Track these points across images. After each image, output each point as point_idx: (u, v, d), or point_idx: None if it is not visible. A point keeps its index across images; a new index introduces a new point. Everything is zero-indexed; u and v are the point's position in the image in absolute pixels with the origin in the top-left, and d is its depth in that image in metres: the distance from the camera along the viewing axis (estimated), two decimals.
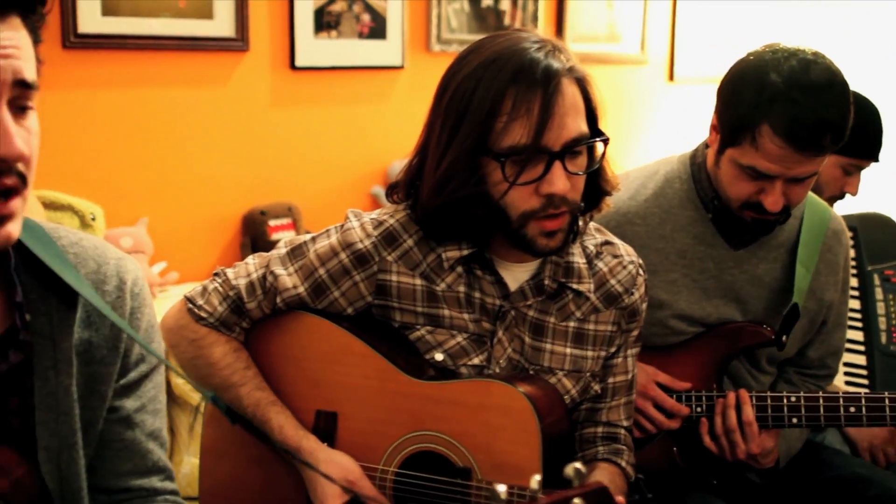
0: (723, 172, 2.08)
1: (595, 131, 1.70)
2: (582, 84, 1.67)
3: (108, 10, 3.48)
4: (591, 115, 1.69)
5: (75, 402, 1.37)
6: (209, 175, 3.89)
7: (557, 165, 1.63)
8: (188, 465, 3.16)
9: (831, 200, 2.75)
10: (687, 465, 2.18)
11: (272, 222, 3.87)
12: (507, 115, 1.61)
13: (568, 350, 1.83)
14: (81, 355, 1.39)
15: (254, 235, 3.88)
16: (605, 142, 1.71)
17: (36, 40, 1.25)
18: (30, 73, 1.22)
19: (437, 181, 1.68)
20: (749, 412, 2.10)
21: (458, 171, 1.66)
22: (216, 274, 1.88)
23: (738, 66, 2.07)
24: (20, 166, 1.21)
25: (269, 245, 3.78)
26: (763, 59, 2.02)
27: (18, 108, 1.22)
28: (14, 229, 1.24)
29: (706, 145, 2.20)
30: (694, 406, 2.16)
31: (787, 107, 1.94)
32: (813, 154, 1.97)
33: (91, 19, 3.39)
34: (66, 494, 1.37)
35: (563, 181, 1.63)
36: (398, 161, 4.26)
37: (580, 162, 1.67)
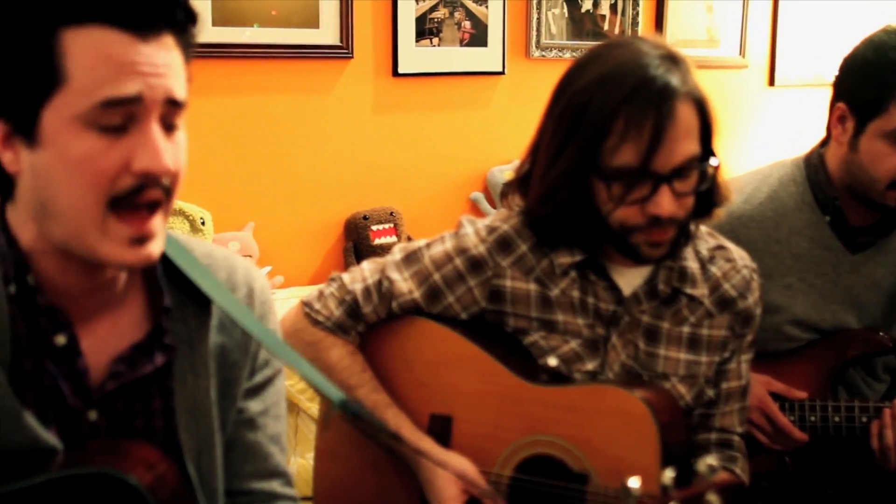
0: (865, 153, 2.05)
1: (708, 150, 1.67)
2: (699, 104, 1.64)
3: (219, 19, 3.56)
4: (706, 134, 1.67)
5: (213, 405, 1.42)
6: (313, 181, 3.95)
7: (665, 188, 1.61)
8: (294, 464, 3.21)
9: None
10: (800, 474, 2.15)
11: (374, 227, 3.91)
12: (618, 136, 1.59)
13: (682, 355, 1.81)
14: (216, 359, 1.44)
15: (356, 240, 3.92)
16: (716, 167, 1.68)
17: (188, 58, 1.29)
18: (180, 92, 1.25)
19: (544, 191, 1.69)
20: None
21: (564, 185, 1.66)
22: (332, 279, 1.91)
23: (860, 47, 2.09)
24: (166, 180, 1.25)
25: (372, 249, 3.82)
26: (887, 33, 2.04)
27: (167, 126, 1.26)
28: (156, 249, 1.28)
29: (821, 145, 2.18)
30: (807, 415, 2.13)
31: None
32: None
33: (202, 29, 3.45)
34: (207, 493, 1.42)
35: (669, 203, 1.62)
36: (497, 167, 4.27)
37: (689, 181, 1.65)
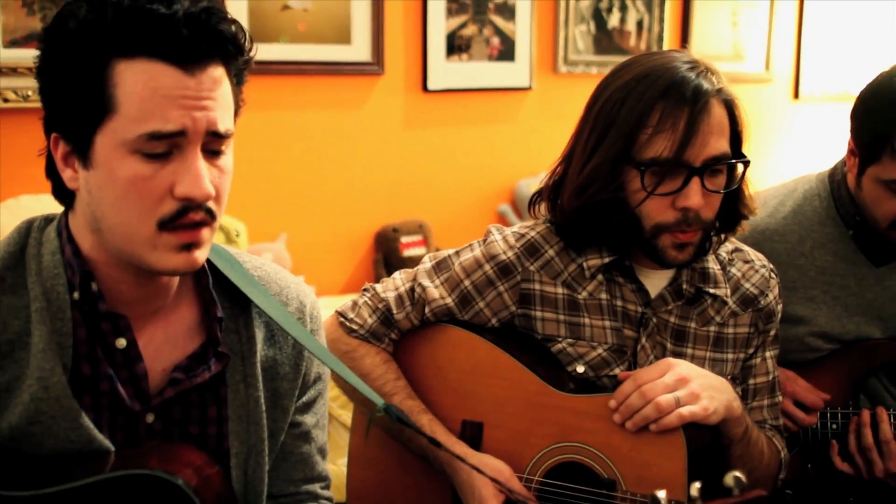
0: (866, 193, 2.08)
1: (737, 154, 1.75)
2: (730, 106, 1.73)
3: (255, 37, 3.63)
4: (736, 138, 1.75)
5: (264, 413, 1.48)
6: (345, 194, 4.01)
7: (695, 181, 1.69)
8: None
9: None
10: (823, 481, 2.18)
11: (404, 239, 3.97)
12: (653, 128, 1.68)
13: (707, 354, 1.86)
14: (266, 371, 1.50)
15: (386, 252, 3.98)
16: (746, 164, 1.76)
17: (239, 83, 1.36)
18: (223, 124, 1.32)
19: (580, 184, 1.75)
20: (887, 430, 2.08)
21: (599, 176, 1.73)
22: (365, 289, 1.96)
23: (870, 85, 2.09)
24: (209, 203, 1.32)
25: (402, 261, 3.88)
26: (890, 76, 2.04)
27: (212, 152, 1.33)
28: (201, 255, 1.35)
29: (844, 162, 2.21)
30: (829, 423, 2.16)
31: None
32: None
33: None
34: (250, 496, 1.48)
35: (698, 197, 1.69)
36: (525, 180, 4.32)
37: (719, 181, 1.73)
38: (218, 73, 1.31)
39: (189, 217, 1.30)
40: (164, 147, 1.27)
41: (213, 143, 1.32)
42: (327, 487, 1.65)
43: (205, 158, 1.31)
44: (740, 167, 1.76)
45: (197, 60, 1.28)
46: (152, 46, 1.26)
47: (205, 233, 1.34)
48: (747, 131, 1.76)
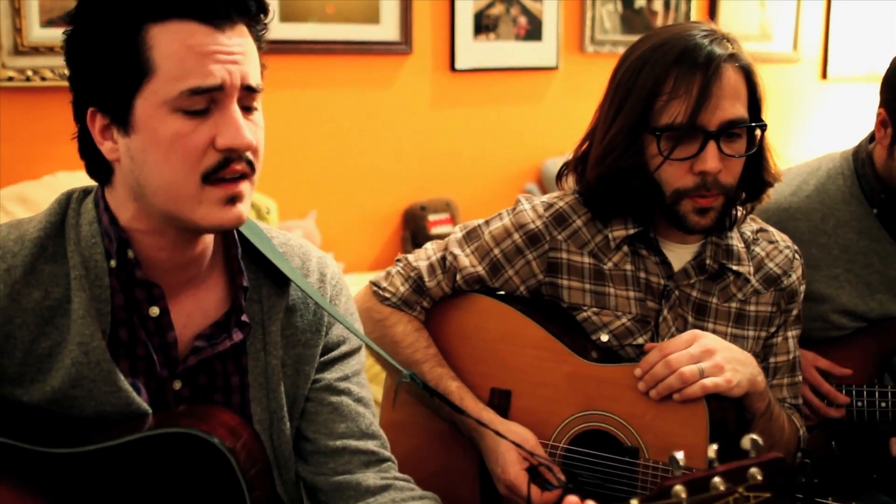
0: None
1: (756, 119, 1.77)
2: (746, 71, 1.75)
3: (285, 16, 3.69)
4: (754, 104, 1.77)
5: (281, 381, 1.52)
6: (373, 172, 4.05)
7: (712, 145, 1.72)
8: None
9: None
10: (846, 458, 2.20)
11: (431, 217, 4.01)
12: (668, 95, 1.72)
13: (729, 330, 1.89)
14: (287, 339, 1.54)
15: (414, 229, 4.02)
16: (763, 128, 1.78)
17: (260, 47, 1.40)
18: (255, 79, 1.37)
19: (601, 152, 1.80)
20: None
21: (619, 144, 1.77)
22: (398, 259, 2.00)
23: None
24: (249, 155, 1.37)
25: (429, 239, 3.89)
26: None
27: (245, 108, 1.38)
28: (244, 210, 1.39)
29: (870, 140, 2.21)
30: (854, 401, 2.18)
31: None
32: None
33: (271, 25, 3.58)
34: (280, 460, 1.53)
35: (715, 161, 1.72)
36: (552, 159, 4.34)
37: (737, 146, 1.76)
38: (244, 30, 1.36)
39: (232, 168, 1.35)
40: (204, 103, 1.32)
41: (246, 99, 1.37)
42: (384, 447, 1.62)
43: (241, 113, 1.36)
44: (759, 132, 1.78)
45: (226, 17, 1.33)
46: (184, 7, 1.31)
47: (245, 186, 1.38)
48: (765, 96, 1.78)
